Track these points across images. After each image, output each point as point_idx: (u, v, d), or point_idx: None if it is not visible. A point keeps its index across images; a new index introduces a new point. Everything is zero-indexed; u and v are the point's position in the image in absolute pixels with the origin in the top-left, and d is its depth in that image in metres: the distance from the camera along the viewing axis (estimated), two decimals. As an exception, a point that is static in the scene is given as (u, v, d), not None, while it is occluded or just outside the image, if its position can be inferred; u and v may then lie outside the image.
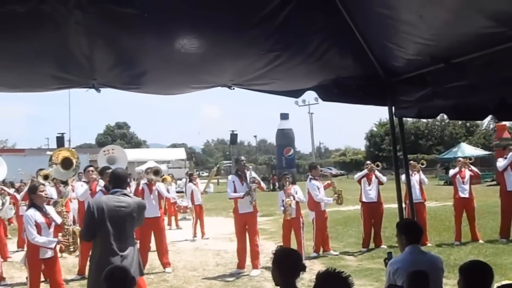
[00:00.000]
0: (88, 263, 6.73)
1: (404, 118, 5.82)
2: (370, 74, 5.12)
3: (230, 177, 10.71)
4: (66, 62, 4.35)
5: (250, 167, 10.40)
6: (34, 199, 6.89)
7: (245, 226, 9.94)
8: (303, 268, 3.65)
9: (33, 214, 6.75)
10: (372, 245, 11.80)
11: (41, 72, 4.56)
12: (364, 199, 12.14)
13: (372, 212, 11.99)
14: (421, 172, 12.35)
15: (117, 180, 5.75)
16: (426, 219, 11.96)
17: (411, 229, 4.62)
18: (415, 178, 11.86)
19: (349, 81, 5.22)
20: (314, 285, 3.04)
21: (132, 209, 5.50)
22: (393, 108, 5.45)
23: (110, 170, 7.78)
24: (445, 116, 5.74)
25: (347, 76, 5.18)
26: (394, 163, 5.95)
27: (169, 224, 17.78)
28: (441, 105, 4.86)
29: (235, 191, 9.91)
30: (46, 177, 9.90)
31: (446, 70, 4.39)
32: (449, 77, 4.49)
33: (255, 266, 9.80)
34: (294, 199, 10.51)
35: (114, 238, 5.38)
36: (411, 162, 12.59)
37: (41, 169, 10.51)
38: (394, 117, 5.55)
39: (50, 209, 7.15)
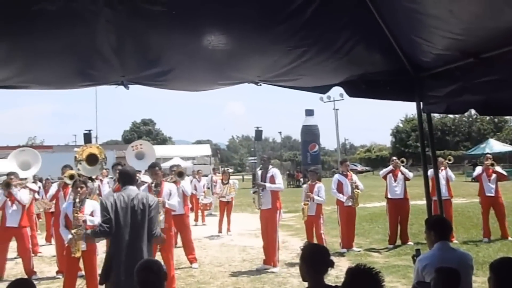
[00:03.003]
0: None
1: (431, 114, 5.77)
2: (398, 69, 5.08)
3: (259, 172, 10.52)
4: (95, 59, 4.41)
5: (270, 166, 10.30)
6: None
7: (266, 222, 9.99)
8: (331, 264, 3.64)
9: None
10: (398, 241, 11.72)
11: (71, 70, 4.64)
12: (390, 196, 12.07)
13: (398, 208, 11.89)
14: (448, 168, 12.22)
15: (126, 177, 5.82)
16: (452, 216, 11.83)
17: (441, 225, 4.57)
18: (441, 174, 11.68)
19: (376, 77, 5.19)
20: (344, 281, 3.04)
21: (143, 205, 5.54)
22: (421, 103, 5.40)
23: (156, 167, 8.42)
24: (473, 112, 5.67)
25: (374, 72, 5.15)
26: (422, 159, 5.88)
27: (196, 220, 17.91)
28: (470, 100, 4.79)
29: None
30: (71, 177, 10.07)
31: (476, 65, 4.32)
32: (479, 72, 4.43)
33: (272, 262, 9.80)
34: (313, 201, 10.59)
35: (125, 234, 5.44)
36: (438, 158, 12.44)
37: (65, 166, 10.69)
38: (422, 113, 5.50)
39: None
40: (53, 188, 10.33)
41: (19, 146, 36.78)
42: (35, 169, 11.44)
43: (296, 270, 9.10)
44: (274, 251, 9.77)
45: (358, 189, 11.32)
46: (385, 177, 12.27)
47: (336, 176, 11.70)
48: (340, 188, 11.34)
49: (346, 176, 11.46)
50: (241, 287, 8.67)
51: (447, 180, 12.01)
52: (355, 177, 11.64)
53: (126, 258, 5.24)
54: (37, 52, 4.20)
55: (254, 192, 10.17)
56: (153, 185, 8.28)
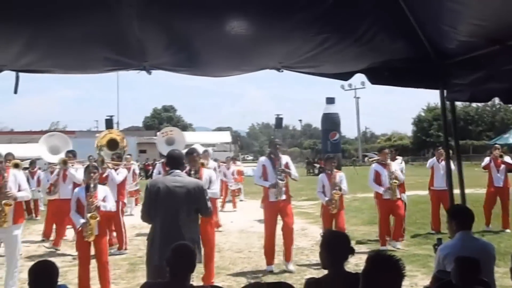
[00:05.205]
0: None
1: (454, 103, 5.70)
2: (421, 56, 5.02)
3: (262, 159, 9.58)
4: (118, 45, 4.44)
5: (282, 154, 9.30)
6: None
7: (277, 216, 9.01)
8: (351, 251, 3.64)
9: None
10: (419, 231, 11.65)
11: (94, 55, 4.68)
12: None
13: (441, 198, 11.51)
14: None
15: (173, 161, 5.83)
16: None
17: (463, 214, 4.53)
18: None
19: (399, 64, 5.14)
20: (364, 268, 3.02)
21: (187, 189, 5.56)
22: (445, 91, 5.34)
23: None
24: (497, 101, 5.60)
25: (397, 59, 5.10)
26: (444, 149, 5.83)
27: (222, 206, 18.01)
28: (495, 88, 4.72)
29: (264, 176, 8.97)
30: (102, 162, 10.43)
31: (501, 52, 4.26)
32: (504, 60, 4.36)
33: (288, 258, 8.96)
34: (340, 190, 9.48)
35: (168, 219, 5.46)
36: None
37: (89, 156, 11.03)
38: (445, 101, 5.44)
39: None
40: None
41: (42, 131, 37.27)
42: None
43: (314, 258, 9.13)
44: (290, 245, 9.02)
45: (397, 179, 10.19)
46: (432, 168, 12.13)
47: (374, 165, 10.60)
48: (378, 179, 10.35)
49: (384, 166, 10.40)
50: (260, 273, 8.71)
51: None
52: (395, 167, 10.50)
53: (165, 242, 5.25)
54: (61, 37, 4.24)
55: (281, 180, 8.84)
56: (192, 172, 7.58)
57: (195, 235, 5.56)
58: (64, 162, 10.77)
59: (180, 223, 5.46)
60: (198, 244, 5.59)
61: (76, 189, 7.91)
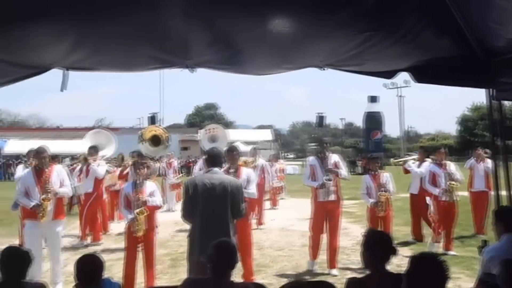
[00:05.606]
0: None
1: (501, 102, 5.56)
2: (467, 54, 4.93)
3: (310, 159, 9.35)
4: (163, 43, 4.51)
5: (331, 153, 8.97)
6: None
7: (324, 216, 8.69)
8: (394, 251, 3.60)
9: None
10: (464, 233, 11.41)
11: (139, 53, 4.76)
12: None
13: (480, 200, 11.37)
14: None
15: (212, 159, 5.89)
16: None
17: (509, 216, 4.42)
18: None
19: (445, 62, 5.05)
20: (407, 269, 2.98)
21: (224, 187, 5.60)
22: (492, 90, 5.22)
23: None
24: (547, 100, 5.45)
25: (443, 57, 5.02)
26: (491, 149, 5.70)
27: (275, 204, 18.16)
28: (546, 87, 4.60)
29: (313, 176, 8.72)
30: (122, 160, 10.95)
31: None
32: (556, 58, 4.24)
33: (333, 265, 8.62)
34: (387, 192, 9.09)
35: (206, 216, 5.52)
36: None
37: (134, 151, 11.30)
38: (492, 100, 5.32)
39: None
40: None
41: (87, 128, 38.13)
42: (108, 150, 12.03)
43: (355, 257, 9.05)
44: (335, 251, 8.69)
45: (454, 181, 9.67)
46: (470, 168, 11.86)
47: (430, 166, 10.22)
48: (434, 180, 9.89)
49: (440, 166, 9.97)
50: (301, 272, 8.69)
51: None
52: (452, 167, 9.97)
53: (204, 239, 5.30)
54: (107, 35, 4.33)
55: (329, 180, 8.54)
56: (232, 170, 7.57)
57: (232, 232, 5.59)
58: (84, 159, 11.29)
59: (217, 219, 5.52)
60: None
61: (124, 185, 8.19)
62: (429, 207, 10.55)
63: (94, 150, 11.69)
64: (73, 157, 14.05)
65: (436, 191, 9.82)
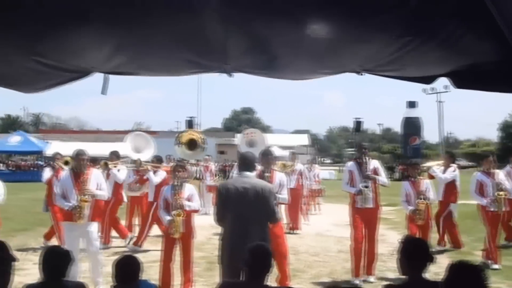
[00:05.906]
0: None
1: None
2: (509, 60, 4.82)
3: (348, 164, 9.30)
4: (201, 48, 4.55)
5: (370, 159, 8.93)
6: None
7: (362, 223, 8.59)
8: (431, 259, 3.56)
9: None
10: (502, 241, 11.13)
11: (179, 58, 4.81)
12: None
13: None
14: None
15: (244, 163, 5.92)
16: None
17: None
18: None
19: (486, 67, 4.94)
20: (446, 277, 2.94)
21: (256, 191, 5.61)
22: (535, 96, 5.10)
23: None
24: None
25: (483, 62, 4.91)
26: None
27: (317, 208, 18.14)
28: None
29: (351, 182, 8.69)
30: (140, 164, 11.26)
31: None
32: None
33: (370, 271, 8.63)
34: (426, 199, 9.02)
35: (238, 219, 5.55)
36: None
37: (168, 155, 11.56)
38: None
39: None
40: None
41: (126, 131, 38.73)
42: (147, 153, 12.26)
43: (392, 264, 8.94)
44: (373, 259, 8.70)
45: (503, 190, 9.30)
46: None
47: (477, 174, 9.86)
48: (481, 189, 9.55)
49: (488, 175, 9.61)
50: (337, 277, 8.64)
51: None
52: (501, 176, 9.66)
53: (236, 243, 5.35)
54: (147, 39, 4.39)
55: (366, 187, 8.50)
56: (266, 174, 7.53)
57: (265, 236, 5.56)
58: (105, 164, 11.34)
59: (249, 224, 5.52)
60: None
61: (163, 188, 8.19)
62: (452, 214, 10.41)
63: (115, 155, 11.88)
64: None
65: (483, 201, 9.47)
